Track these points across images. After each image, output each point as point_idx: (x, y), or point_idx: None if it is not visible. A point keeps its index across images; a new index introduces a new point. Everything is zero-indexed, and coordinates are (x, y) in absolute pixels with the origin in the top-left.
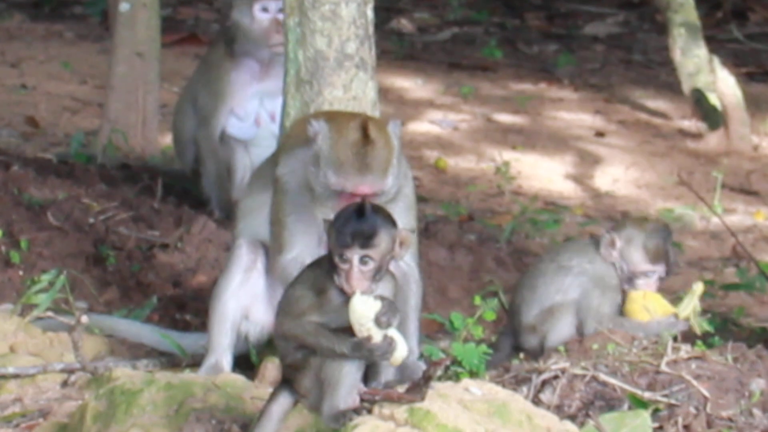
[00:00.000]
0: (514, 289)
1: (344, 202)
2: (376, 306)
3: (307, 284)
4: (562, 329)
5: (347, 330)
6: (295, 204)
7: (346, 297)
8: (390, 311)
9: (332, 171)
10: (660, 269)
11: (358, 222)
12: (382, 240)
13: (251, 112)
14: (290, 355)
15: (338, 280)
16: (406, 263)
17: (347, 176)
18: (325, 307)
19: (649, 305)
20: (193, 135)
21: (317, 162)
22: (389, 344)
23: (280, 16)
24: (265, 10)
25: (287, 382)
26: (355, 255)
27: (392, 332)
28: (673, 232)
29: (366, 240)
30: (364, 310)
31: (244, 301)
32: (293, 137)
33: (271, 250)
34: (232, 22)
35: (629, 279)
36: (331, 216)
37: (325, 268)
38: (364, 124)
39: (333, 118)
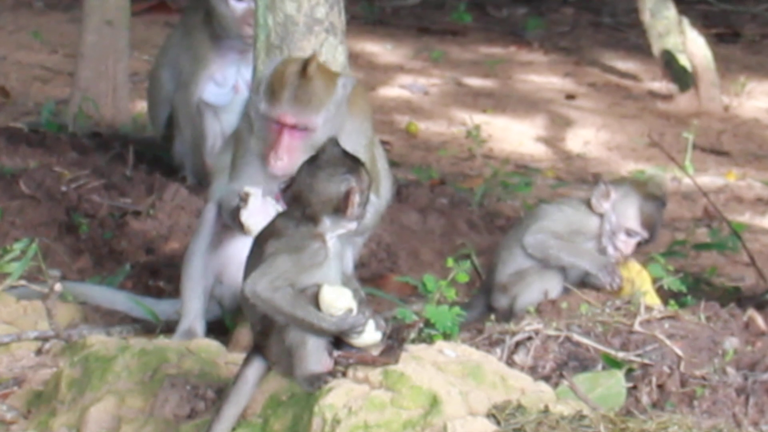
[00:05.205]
0: (495, 247)
1: (275, 134)
2: (346, 294)
3: (281, 243)
4: (531, 293)
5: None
6: (247, 149)
7: (326, 253)
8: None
9: (264, 96)
10: (644, 234)
11: (346, 156)
12: None
13: (230, 78)
14: (257, 322)
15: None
16: None
17: (275, 103)
18: (303, 264)
19: (637, 281)
20: (169, 100)
21: (258, 90)
22: (367, 318)
23: None
24: None
25: (259, 348)
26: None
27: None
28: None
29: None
30: (333, 299)
31: (216, 264)
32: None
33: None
34: (209, 5)
35: (612, 233)
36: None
37: (299, 227)
38: (308, 61)
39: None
